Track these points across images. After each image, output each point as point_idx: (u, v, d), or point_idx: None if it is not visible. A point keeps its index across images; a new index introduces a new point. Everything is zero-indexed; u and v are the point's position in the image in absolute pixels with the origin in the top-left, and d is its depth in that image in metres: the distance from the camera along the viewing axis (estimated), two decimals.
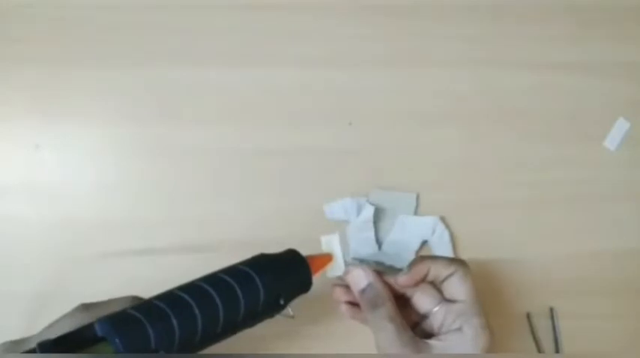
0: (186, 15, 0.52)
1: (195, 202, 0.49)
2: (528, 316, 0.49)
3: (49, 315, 0.34)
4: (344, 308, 0.41)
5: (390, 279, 0.40)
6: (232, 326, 0.33)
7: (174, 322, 0.29)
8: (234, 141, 0.51)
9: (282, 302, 0.35)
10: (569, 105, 0.54)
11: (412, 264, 0.39)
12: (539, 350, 0.47)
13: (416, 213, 0.50)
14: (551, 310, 0.49)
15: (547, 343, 0.48)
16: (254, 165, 0.50)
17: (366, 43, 0.54)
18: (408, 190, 0.50)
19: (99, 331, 0.29)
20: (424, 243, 0.49)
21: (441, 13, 0.55)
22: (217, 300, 0.31)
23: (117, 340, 0.28)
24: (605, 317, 0.49)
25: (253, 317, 0.34)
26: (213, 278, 0.33)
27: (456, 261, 0.39)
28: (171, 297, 0.31)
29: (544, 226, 0.51)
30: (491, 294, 0.48)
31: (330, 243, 0.41)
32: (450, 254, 0.48)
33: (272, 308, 0.35)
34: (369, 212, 0.48)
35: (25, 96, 0.50)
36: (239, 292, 0.32)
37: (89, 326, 0.29)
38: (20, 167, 0.49)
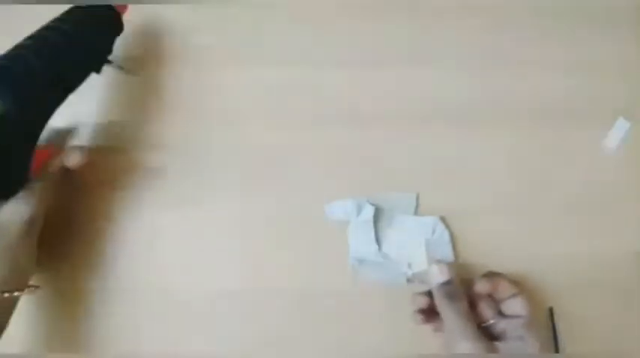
0: None
1: (196, 201, 0.49)
2: (551, 311, 0.49)
3: None
4: (419, 317, 0.45)
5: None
6: (65, 62, 0.41)
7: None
8: (234, 140, 0.51)
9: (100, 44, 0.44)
10: (569, 105, 0.54)
11: (489, 277, 0.45)
12: (557, 348, 0.48)
13: (416, 213, 0.50)
14: (551, 310, 0.49)
15: (547, 343, 0.48)
16: (253, 164, 0.50)
17: (366, 43, 0.54)
18: (408, 190, 0.50)
19: None
20: (425, 243, 0.49)
21: (442, 13, 0.55)
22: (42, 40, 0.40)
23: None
24: (605, 317, 0.49)
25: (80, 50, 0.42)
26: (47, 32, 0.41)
27: (517, 284, 0.45)
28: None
29: (544, 226, 0.51)
30: None
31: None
32: (450, 254, 0.48)
33: (96, 41, 0.44)
34: (369, 212, 0.48)
35: None
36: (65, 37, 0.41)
37: None
38: None
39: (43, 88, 0.39)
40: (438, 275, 0.44)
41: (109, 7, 0.45)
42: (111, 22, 0.46)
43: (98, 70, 0.45)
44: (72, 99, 0.43)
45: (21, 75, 0.37)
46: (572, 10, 0.56)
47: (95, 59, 0.44)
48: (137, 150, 0.50)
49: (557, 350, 0.47)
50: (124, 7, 0.47)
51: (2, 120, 0.37)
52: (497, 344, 0.41)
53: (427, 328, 0.45)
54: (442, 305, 0.43)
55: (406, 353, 0.47)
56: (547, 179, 0.52)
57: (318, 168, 0.50)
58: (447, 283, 0.43)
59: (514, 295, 0.44)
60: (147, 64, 0.52)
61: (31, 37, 0.40)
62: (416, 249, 0.48)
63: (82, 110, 0.50)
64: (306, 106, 0.52)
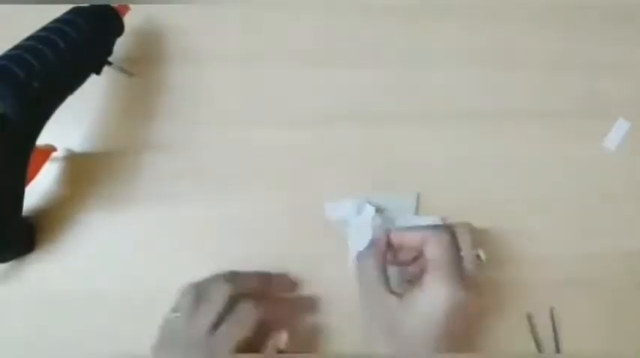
0: None
1: (196, 202, 0.49)
2: (528, 317, 0.49)
3: None
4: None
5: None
6: (62, 61, 0.40)
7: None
8: (234, 140, 0.51)
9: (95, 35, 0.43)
10: (569, 106, 0.54)
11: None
12: (540, 350, 0.47)
13: (416, 213, 0.49)
14: (551, 310, 0.49)
15: (547, 343, 0.48)
16: (254, 164, 0.50)
17: (367, 43, 0.54)
18: (408, 190, 0.50)
19: None
20: None
21: (442, 13, 0.55)
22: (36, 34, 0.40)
23: None
24: (605, 316, 0.49)
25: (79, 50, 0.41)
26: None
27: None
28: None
29: (544, 226, 0.51)
30: (490, 294, 0.48)
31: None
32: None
33: (91, 43, 0.43)
34: (369, 213, 0.48)
35: None
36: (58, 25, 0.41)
37: None
38: None
39: (43, 89, 0.39)
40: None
41: (110, 8, 0.45)
42: (111, 23, 0.46)
43: (98, 71, 0.45)
44: (71, 99, 0.43)
45: (21, 75, 0.38)
46: (572, 10, 0.56)
47: (95, 60, 0.45)
48: (136, 151, 0.50)
49: (557, 350, 0.47)
50: (126, 7, 0.47)
51: (2, 120, 0.37)
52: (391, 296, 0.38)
53: None
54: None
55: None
56: (547, 179, 0.52)
57: (318, 168, 0.50)
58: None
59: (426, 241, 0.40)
60: (146, 65, 0.52)
61: (31, 38, 0.40)
62: None
63: (81, 110, 0.50)
64: (307, 106, 0.52)
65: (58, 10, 0.43)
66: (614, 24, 0.56)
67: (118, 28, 0.47)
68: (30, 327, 0.45)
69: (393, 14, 0.55)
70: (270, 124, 0.51)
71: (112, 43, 0.46)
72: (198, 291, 0.40)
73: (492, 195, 0.51)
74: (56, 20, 0.42)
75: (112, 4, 0.46)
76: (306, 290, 0.48)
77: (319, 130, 0.51)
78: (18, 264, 0.46)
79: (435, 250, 0.38)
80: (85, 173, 0.49)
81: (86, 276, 0.46)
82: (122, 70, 0.48)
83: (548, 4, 0.56)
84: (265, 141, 0.51)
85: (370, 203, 0.48)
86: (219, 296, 0.38)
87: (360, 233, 0.48)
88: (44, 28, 0.41)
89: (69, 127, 0.49)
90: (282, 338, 0.39)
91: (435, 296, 0.36)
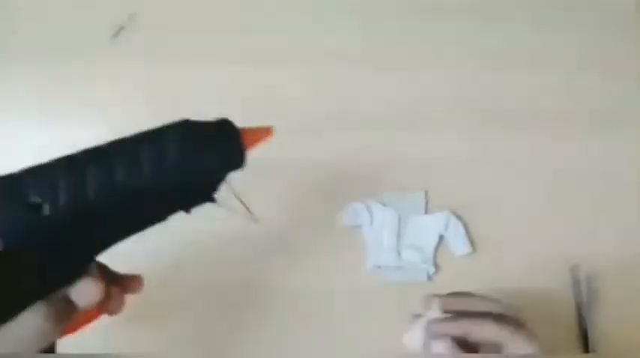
0: None
1: (202, 209, 0.48)
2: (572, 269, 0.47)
3: None
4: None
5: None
6: (140, 191, 0.28)
7: (58, 170, 0.26)
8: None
9: (204, 165, 0.30)
10: (569, 106, 0.54)
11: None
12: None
13: (426, 210, 0.49)
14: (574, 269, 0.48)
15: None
16: (262, 171, 0.49)
17: (368, 44, 0.54)
18: (416, 190, 0.50)
19: None
20: (441, 238, 0.48)
21: (442, 14, 0.55)
22: (113, 151, 0.28)
23: None
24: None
25: (170, 187, 0.29)
26: (118, 139, 0.29)
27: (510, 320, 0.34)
28: (62, 156, 0.28)
29: (544, 226, 0.50)
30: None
31: None
32: (467, 245, 0.48)
33: (193, 175, 0.30)
34: (380, 216, 0.48)
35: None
36: (143, 147, 0.28)
37: None
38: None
39: (62, 218, 0.27)
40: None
41: (230, 127, 0.32)
42: (229, 150, 0.32)
43: (189, 209, 0.32)
44: None
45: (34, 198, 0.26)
46: (572, 11, 0.57)
47: (193, 195, 0.32)
48: None
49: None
50: (266, 132, 0.33)
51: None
52: None
53: None
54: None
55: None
56: (547, 179, 0.52)
57: (328, 171, 0.50)
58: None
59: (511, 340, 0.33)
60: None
61: (94, 151, 0.28)
62: (432, 246, 0.48)
63: None
64: (312, 109, 0.52)
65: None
66: (615, 25, 0.56)
67: (237, 158, 0.32)
68: None
69: (394, 14, 0.55)
70: (279, 128, 0.51)
71: (223, 177, 0.32)
72: None
73: (492, 195, 0.51)
74: (153, 132, 0.30)
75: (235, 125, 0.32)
76: (319, 300, 0.47)
77: (324, 133, 0.51)
78: None
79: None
80: None
81: None
82: (252, 217, 0.35)
83: (552, 6, 0.57)
84: (273, 144, 0.50)
85: (380, 204, 0.48)
86: None
87: (377, 240, 0.48)
88: (121, 140, 0.29)
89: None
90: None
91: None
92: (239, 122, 0.51)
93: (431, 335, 0.34)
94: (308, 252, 0.48)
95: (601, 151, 0.53)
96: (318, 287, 0.47)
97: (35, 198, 0.25)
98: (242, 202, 0.34)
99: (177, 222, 0.31)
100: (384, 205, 0.49)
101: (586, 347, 0.46)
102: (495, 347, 0.33)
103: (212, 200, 0.32)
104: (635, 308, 0.48)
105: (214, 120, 0.32)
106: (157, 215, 0.31)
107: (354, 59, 0.54)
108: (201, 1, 0.55)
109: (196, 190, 0.31)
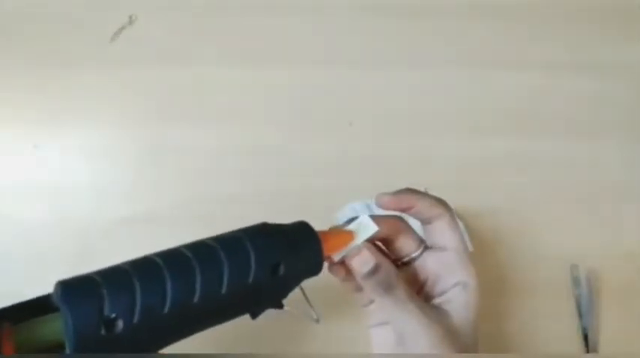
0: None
1: (199, 204, 0.48)
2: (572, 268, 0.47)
3: None
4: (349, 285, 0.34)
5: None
6: (215, 300, 0.27)
7: (137, 283, 0.25)
8: (236, 142, 0.50)
9: (281, 272, 0.28)
10: (569, 106, 0.54)
11: (398, 192, 0.34)
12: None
13: None
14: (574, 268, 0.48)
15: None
16: (258, 168, 0.50)
17: (367, 44, 0.54)
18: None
19: (54, 297, 0.24)
20: None
21: (443, 14, 0.55)
22: (194, 262, 0.26)
23: (64, 305, 0.23)
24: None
25: (245, 294, 0.28)
26: (195, 243, 0.28)
27: (443, 203, 0.33)
28: (139, 260, 0.26)
29: (544, 226, 0.50)
30: (496, 296, 0.48)
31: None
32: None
33: (269, 283, 0.28)
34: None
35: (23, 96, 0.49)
36: (222, 254, 0.27)
37: (47, 295, 0.25)
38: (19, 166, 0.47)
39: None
40: (361, 266, 0.31)
41: (312, 235, 0.30)
42: (309, 259, 0.30)
43: (256, 315, 0.31)
44: None
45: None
46: (572, 11, 0.57)
47: (264, 302, 0.30)
48: None
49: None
50: (345, 238, 0.32)
51: None
52: (442, 307, 0.31)
53: None
54: (378, 298, 0.31)
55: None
56: (547, 178, 0.52)
57: (327, 171, 0.50)
58: (377, 269, 0.30)
59: (434, 218, 0.33)
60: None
61: (163, 256, 0.27)
62: None
63: None
64: (311, 108, 0.52)
65: None
66: (615, 25, 0.57)
67: (316, 268, 0.31)
68: None
69: (396, 15, 0.55)
70: (276, 127, 0.51)
71: (297, 282, 0.31)
72: None
73: (492, 194, 0.51)
74: (216, 236, 0.29)
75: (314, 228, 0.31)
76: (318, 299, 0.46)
77: (319, 133, 0.51)
78: None
79: (448, 235, 0.33)
80: None
81: None
82: (316, 320, 0.33)
83: (552, 7, 0.57)
84: (271, 143, 0.50)
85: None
86: None
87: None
88: (191, 243, 0.28)
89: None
90: None
91: (477, 295, 0.31)
92: (240, 122, 0.52)
93: (377, 203, 0.33)
94: None
95: (601, 151, 0.53)
96: (318, 286, 0.47)
97: (111, 313, 0.24)
98: (308, 302, 0.32)
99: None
100: None
101: (586, 346, 0.46)
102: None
103: (280, 306, 0.31)
104: (635, 307, 0.48)
105: (292, 224, 0.31)
106: (224, 321, 0.29)
107: (354, 59, 0.54)
108: (202, 3, 0.55)
109: (268, 298, 0.30)
